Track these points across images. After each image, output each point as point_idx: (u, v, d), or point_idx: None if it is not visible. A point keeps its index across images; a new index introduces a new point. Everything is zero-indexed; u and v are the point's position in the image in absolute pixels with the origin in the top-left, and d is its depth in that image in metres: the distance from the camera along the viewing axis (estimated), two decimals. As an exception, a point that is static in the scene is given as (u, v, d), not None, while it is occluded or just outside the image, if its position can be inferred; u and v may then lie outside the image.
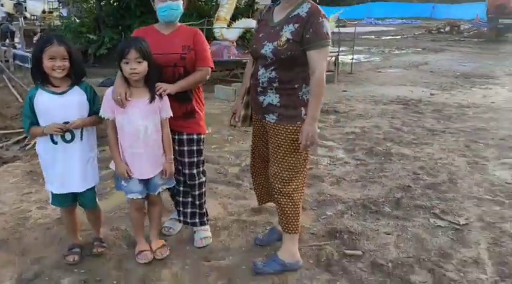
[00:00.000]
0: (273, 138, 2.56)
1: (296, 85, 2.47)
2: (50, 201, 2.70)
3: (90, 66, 10.59)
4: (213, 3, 12.13)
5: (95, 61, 11.25)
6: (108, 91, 2.56)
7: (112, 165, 2.67)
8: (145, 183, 2.70)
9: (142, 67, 2.48)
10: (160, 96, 2.58)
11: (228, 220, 3.30)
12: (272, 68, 2.47)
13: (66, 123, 2.46)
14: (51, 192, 2.63)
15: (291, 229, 2.65)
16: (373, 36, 20.67)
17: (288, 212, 2.60)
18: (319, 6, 2.43)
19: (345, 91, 8.24)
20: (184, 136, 2.82)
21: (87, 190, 2.65)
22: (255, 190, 3.00)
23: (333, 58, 9.24)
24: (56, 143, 2.50)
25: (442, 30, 22.54)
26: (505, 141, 5.07)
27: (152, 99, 2.55)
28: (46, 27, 14.84)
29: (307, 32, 2.34)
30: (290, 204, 2.59)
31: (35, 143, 4.89)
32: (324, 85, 2.40)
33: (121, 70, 2.52)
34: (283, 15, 2.48)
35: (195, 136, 2.84)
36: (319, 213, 3.40)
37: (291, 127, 2.48)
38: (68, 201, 2.67)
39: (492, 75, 9.80)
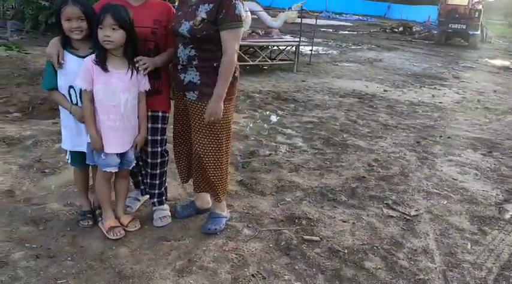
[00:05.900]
0: (194, 115, 2.62)
1: (215, 64, 2.50)
2: (69, 162, 2.75)
3: (40, 33, 10.02)
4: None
5: (46, 29, 10.61)
6: (87, 60, 2.42)
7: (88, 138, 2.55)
8: (121, 156, 2.63)
9: (119, 35, 2.39)
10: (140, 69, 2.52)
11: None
12: (191, 46, 2.50)
13: None
14: (69, 153, 2.70)
15: (220, 198, 2.88)
16: (330, 30, 20.96)
17: (216, 183, 2.78)
18: None
19: (304, 81, 8.34)
20: (149, 113, 2.73)
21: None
22: (177, 169, 3.03)
23: (293, 47, 9.30)
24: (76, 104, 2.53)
25: (395, 30, 23.22)
26: (451, 140, 5.35)
27: (133, 72, 2.50)
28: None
29: (221, 12, 2.40)
30: (217, 176, 2.75)
31: None
32: (234, 66, 2.49)
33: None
34: None
35: (159, 114, 2.76)
36: (279, 199, 3.44)
37: None
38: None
39: (440, 77, 10.26)
